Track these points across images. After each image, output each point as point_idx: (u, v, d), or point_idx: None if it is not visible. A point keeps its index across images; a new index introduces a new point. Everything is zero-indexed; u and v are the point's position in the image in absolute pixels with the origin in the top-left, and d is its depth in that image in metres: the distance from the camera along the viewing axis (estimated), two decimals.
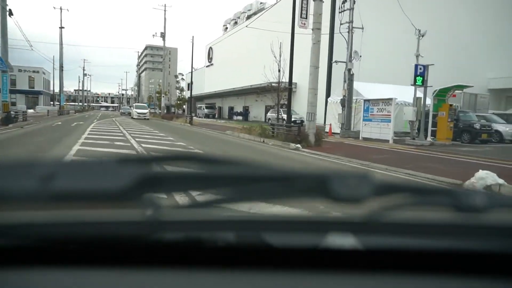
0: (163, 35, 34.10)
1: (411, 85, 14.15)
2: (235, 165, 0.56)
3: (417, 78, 13.88)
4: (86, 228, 0.56)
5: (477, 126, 15.37)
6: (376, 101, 15.31)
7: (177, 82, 30.48)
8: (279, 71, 13.73)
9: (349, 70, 17.72)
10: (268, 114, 25.98)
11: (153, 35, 34.38)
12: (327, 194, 0.49)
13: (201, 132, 18.38)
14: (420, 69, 13.87)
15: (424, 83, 14.05)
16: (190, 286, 0.51)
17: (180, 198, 0.99)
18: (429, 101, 14.68)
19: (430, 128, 14.49)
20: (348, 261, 0.54)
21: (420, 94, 14.69)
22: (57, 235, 0.55)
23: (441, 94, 14.93)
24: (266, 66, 14.43)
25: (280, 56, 13.92)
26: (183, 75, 32.15)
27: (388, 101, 14.69)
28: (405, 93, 17.42)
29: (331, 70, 26.12)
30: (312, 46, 11.44)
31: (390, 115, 14.57)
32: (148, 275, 0.52)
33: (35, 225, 0.56)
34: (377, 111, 15.17)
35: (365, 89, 18.80)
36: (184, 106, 33.41)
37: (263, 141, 12.93)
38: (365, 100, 15.97)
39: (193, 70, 26.48)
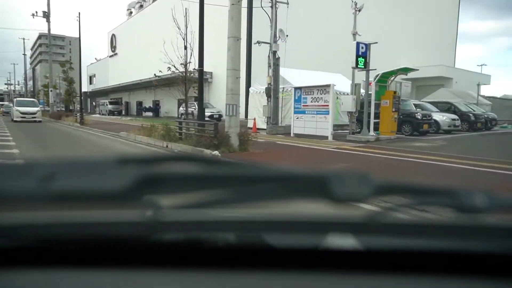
0: (46, 15, 27.61)
1: (352, 68, 11.56)
2: (235, 165, 0.56)
3: (358, 59, 11.33)
4: (86, 229, 0.56)
5: (419, 116, 13.51)
6: (309, 89, 12.50)
7: (64, 72, 24.48)
8: (185, 47, 9.96)
9: (274, 52, 14.71)
10: (180, 108, 21.96)
11: (33, 14, 27.63)
12: (327, 195, 0.49)
13: (82, 135, 13.71)
14: (362, 48, 11.34)
15: (366, 66, 11.56)
16: (190, 287, 0.51)
17: (180, 199, 0.52)
18: (366, 91, 12.29)
19: (372, 120, 12.14)
20: (348, 262, 0.54)
21: (358, 81, 12.24)
22: (56, 236, 0.56)
23: (383, 80, 12.68)
24: (171, 51, 10.09)
25: (187, 28, 10.16)
26: (71, 63, 26.08)
27: (324, 88, 11.96)
28: (338, 82, 15.06)
29: (250, 53, 23.02)
30: (231, 8, 7.87)
31: (328, 105, 11.86)
32: (148, 275, 0.52)
33: (34, 226, 0.57)
34: (312, 101, 12.38)
35: (293, 76, 16.02)
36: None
37: (167, 146, 9.16)
38: (296, 88, 13.09)
39: (81, 57, 21.18)
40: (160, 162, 0.55)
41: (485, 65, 36.68)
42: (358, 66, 11.36)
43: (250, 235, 0.56)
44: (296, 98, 13.01)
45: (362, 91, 12.61)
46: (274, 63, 14.77)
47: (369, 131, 11.95)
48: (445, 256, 0.54)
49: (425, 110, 14.77)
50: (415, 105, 15.06)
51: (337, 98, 15.53)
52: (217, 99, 27.36)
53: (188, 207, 0.55)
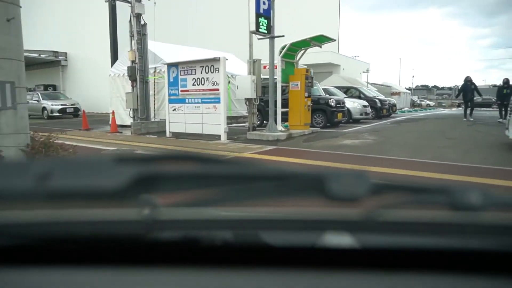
0: None
1: (251, 32, 7.86)
2: (232, 164, 0.56)
3: (259, 20, 7.68)
4: (83, 227, 0.56)
5: (333, 103, 10.64)
6: (190, 66, 8.42)
7: None
8: None
9: (138, 16, 10.19)
10: None
11: None
12: (324, 193, 0.49)
13: None
14: (264, 4, 7.72)
15: (270, 30, 8.00)
16: (188, 285, 0.51)
17: (177, 197, 0.52)
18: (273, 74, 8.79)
19: (279, 110, 8.73)
20: (345, 260, 0.54)
21: (257, 53, 8.65)
22: (53, 234, 0.55)
23: (291, 55, 9.33)
24: None
25: None
26: None
27: (212, 64, 8.03)
28: (230, 64, 11.43)
29: (115, 16, 17.65)
30: None
31: (218, 89, 7.98)
32: (145, 274, 0.52)
33: (31, 224, 0.57)
34: (194, 84, 8.35)
35: (168, 53, 11.71)
36: None
37: None
38: (170, 65, 8.85)
39: None
40: (157, 160, 0.55)
41: (358, 56, 38.68)
42: (260, 30, 7.71)
43: (247, 234, 0.56)
44: (171, 80, 8.80)
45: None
46: (139, 32, 10.26)
47: (277, 125, 8.50)
48: (441, 254, 0.54)
49: (334, 96, 12.09)
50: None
51: (229, 82, 11.83)
52: (75, 88, 21.19)
53: (185, 205, 0.56)
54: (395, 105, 17.38)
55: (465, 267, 0.52)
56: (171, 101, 8.85)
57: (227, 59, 7.94)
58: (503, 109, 12.04)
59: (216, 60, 7.86)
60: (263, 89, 9.57)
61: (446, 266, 0.53)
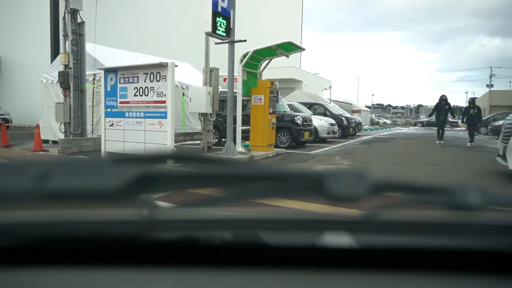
0: None
1: (207, 33, 6.52)
2: (232, 164, 0.56)
3: (217, 19, 6.39)
4: (82, 228, 0.56)
5: (299, 120, 9.51)
6: (132, 72, 6.90)
7: None
8: None
9: (74, 12, 8.58)
10: None
11: None
12: (323, 193, 0.49)
13: None
14: (223, 1, 6.44)
15: (229, 33, 6.73)
16: (187, 285, 0.51)
17: (176, 198, 0.56)
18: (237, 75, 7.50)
19: (239, 127, 7.42)
20: (345, 260, 0.54)
21: (215, 64, 7.35)
22: (52, 235, 0.55)
23: (254, 64, 8.11)
24: None
25: None
26: None
27: (158, 70, 6.57)
28: (185, 74, 10.11)
29: (57, 12, 15.53)
30: None
31: (164, 101, 6.52)
32: (144, 274, 0.52)
33: (30, 225, 0.57)
34: (136, 94, 6.84)
35: (111, 59, 10.07)
36: None
37: None
38: (107, 71, 7.26)
39: None
40: (157, 160, 0.55)
41: (318, 73, 38.73)
42: (217, 32, 6.42)
43: (247, 234, 0.56)
44: (109, 88, 7.22)
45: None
46: (75, 31, 8.63)
47: (236, 146, 7.17)
48: (441, 254, 0.54)
49: (300, 112, 11.02)
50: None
51: (183, 94, 10.41)
52: (9, 96, 18.71)
53: (184, 205, 0.56)
54: (360, 124, 16.72)
55: (465, 267, 0.52)
56: (108, 115, 7.25)
57: (176, 66, 6.53)
58: (473, 131, 11.50)
59: (162, 66, 6.43)
60: (222, 103, 8.25)
61: (446, 266, 0.53)
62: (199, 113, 7.72)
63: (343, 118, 13.97)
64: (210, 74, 7.57)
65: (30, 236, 0.55)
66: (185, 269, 0.52)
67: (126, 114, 6.98)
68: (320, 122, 11.56)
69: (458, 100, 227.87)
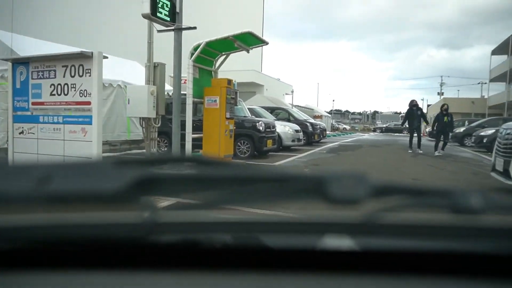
0: None
1: (144, 16, 5.11)
2: (232, 166, 0.56)
3: (157, 1, 5.02)
4: (83, 230, 0.57)
5: (261, 127, 8.32)
6: (47, 64, 5.34)
7: None
8: None
9: None
10: None
11: None
12: (324, 196, 0.49)
13: None
14: None
15: (176, 18, 5.38)
16: None
17: (177, 200, 0.68)
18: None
19: (190, 135, 6.08)
20: (345, 263, 0.54)
21: (157, 59, 5.98)
22: (53, 238, 0.56)
23: (207, 60, 6.80)
24: None
25: None
26: None
27: (80, 62, 5.06)
28: (131, 73, 8.66)
29: None
30: None
31: (89, 103, 5.04)
32: (145, 277, 0.52)
33: (30, 227, 0.57)
34: (53, 93, 5.30)
35: (31, 50, 8.34)
36: None
37: None
38: (16, 62, 5.61)
39: None
40: (157, 163, 0.55)
41: (279, 78, 38.13)
42: (158, 15, 5.05)
43: (247, 236, 0.56)
44: (18, 85, 5.61)
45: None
46: None
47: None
48: (441, 257, 0.54)
49: (262, 118, 9.85)
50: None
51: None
52: None
53: (185, 208, 0.56)
54: (325, 130, 15.86)
55: (465, 270, 0.52)
56: (17, 119, 5.63)
57: (106, 57, 5.08)
58: (445, 140, 10.84)
59: (86, 56, 4.95)
60: (169, 106, 6.86)
61: (446, 269, 0.53)
62: (140, 118, 6.30)
63: (308, 124, 12.98)
64: (154, 71, 6.20)
65: (31, 239, 0.55)
66: (185, 271, 0.53)
67: (40, 119, 5.41)
68: (284, 129, 10.44)
69: None
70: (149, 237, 0.53)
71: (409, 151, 11.00)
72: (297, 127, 11.08)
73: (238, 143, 8.13)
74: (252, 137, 8.17)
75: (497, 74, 34.47)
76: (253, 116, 9.16)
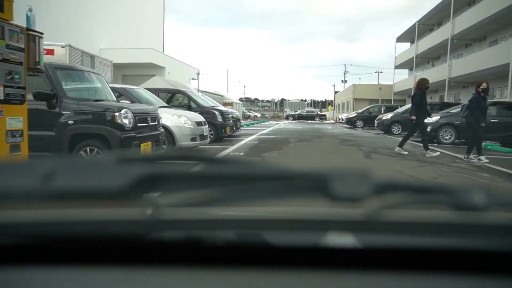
0: None
1: None
2: (235, 164, 0.56)
3: None
4: (86, 227, 0.56)
5: (122, 120, 4.44)
6: None
7: None
8: None
9: None
10: None
11: None
12: (326, 193, 0.49)
13: None
14: None
15: None
16: (190, 285, 0.51)
17: (180, 197, 0.53)
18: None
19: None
20: (348, 260, 0.54)
21: None
22: (56, 234, 0.55)
23: None
24: None
25: None
26: None
27: None
28: None
29: None
30: None
31: None
32: (147, 274, 0.52)
33: (34, 224, 0.57)
34: None
35: None
36: None
37: None
38: None
39: None
40: (160, 160, 0.55)
41: (189, 64, 34.12)
42: None
43: (250, 234, 0.56)
44: None
45: None
46: None
47: None
48: (444, 254, 0.54)
49: (138, 104, 5.98)
50: (114, 90, 5.97)
51: None
52: None
53: (188, 205, 0.55)
54: (239, 120, 12.40)
55: (467, 267, 0.52)
56: None
57: None
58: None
59: None
60: None
61: (449, 266, 0.53)
62: None
63: (216, 112, 9.35)
64: None
65: (34, 235, 0.55)
66: (188, 269, 0.52)
67: None
68: (178, 121, 6.66)
69: (316, 95, 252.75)
70: (152, 234, 0.53)
71: (404, 152, 7.57)
72: (200, 118, 7.37)
73: (84, 149, 4.16)
74: (107, 139, 4.26)
75: (401, 61, 35.03)
76: (112, 101, 5.18)
